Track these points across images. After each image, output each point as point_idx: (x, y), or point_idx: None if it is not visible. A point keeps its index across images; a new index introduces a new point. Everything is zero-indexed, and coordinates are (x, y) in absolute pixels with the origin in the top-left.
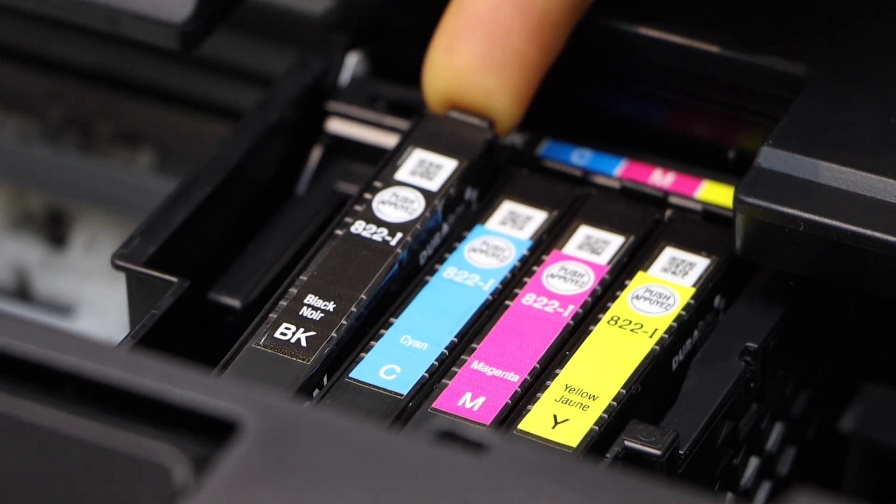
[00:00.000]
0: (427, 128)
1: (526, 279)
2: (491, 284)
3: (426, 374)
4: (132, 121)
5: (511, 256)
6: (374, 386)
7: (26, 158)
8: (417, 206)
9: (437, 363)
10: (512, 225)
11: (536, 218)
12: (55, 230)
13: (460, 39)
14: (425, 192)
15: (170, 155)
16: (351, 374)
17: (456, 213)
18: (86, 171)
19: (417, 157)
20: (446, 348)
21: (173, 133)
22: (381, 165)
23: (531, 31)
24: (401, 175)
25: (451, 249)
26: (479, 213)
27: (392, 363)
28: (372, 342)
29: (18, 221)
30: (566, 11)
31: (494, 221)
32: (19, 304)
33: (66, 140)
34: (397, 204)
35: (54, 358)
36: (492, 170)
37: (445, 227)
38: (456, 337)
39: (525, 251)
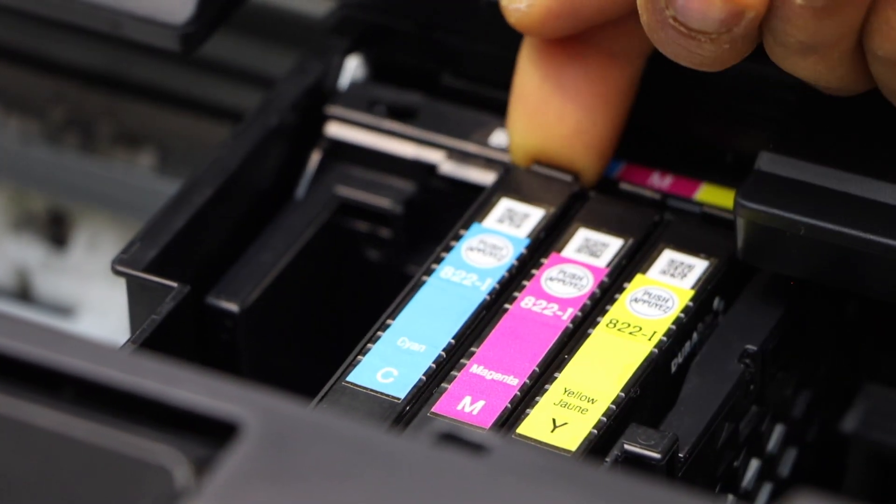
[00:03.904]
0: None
1: (525, 282)
2: (488, 284)
3: (423, 378)
4: (133, 122)
5: (509, 255)
6: (371, 390)
7: (27, 159)
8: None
9: (434, 366)
10: (509, 223)
11: (534, 216)
12: (56, 231)
13: (542, 103)
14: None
15: (170, 156)
16: (348, 378)
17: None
18: (87, 172)
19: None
20: (443, 350)
21: (174, 134)
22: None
23: (606, 96)
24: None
25: (449, 248)
26: (477, 212)
27: (389, 366)
28: (369, 344)
29: (19, 222)
30: (636, 63)
31: (492, 219)
32: (20, 305)
33: (67, 141)
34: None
35: (55, 359)
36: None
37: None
38: (453, 339)
39: (522, 249)
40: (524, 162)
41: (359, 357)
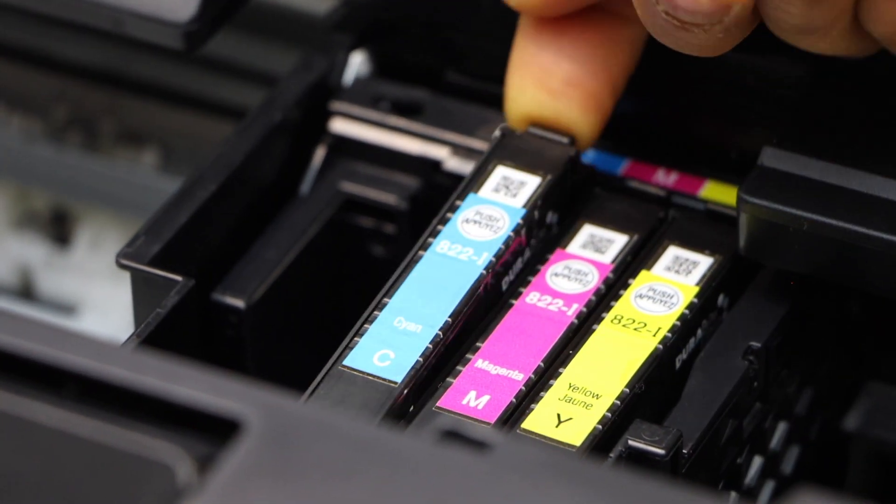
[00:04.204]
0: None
1: (530, 277)
2: (485, 259)
3: (420, 359)
4: (136, 120)
5: (505, 227)
6: (368, 374)
7: (30, 158)
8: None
9: (431, 346)
10: (505, 192)
11: (530, 183)
12: (59, 229)
13: (539, 53)
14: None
15: (173, 154)
16: (345, 361)
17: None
18: (90, 171)
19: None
20: (440, 330)
21: (177, 132)
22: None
23: (602, 50)
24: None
25: (445, 221)
26: (472, 182)
27: (386, 348)
28: (366, 325)
29: (22, 220)
30: (639, 28)
31: (487, 189)
32: (23, 304)
33: (69, 139)
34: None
35: (58, 357)
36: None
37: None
38: (450, 317)
39: (519, 220)
40: (519, 121)
41: (356, 339)
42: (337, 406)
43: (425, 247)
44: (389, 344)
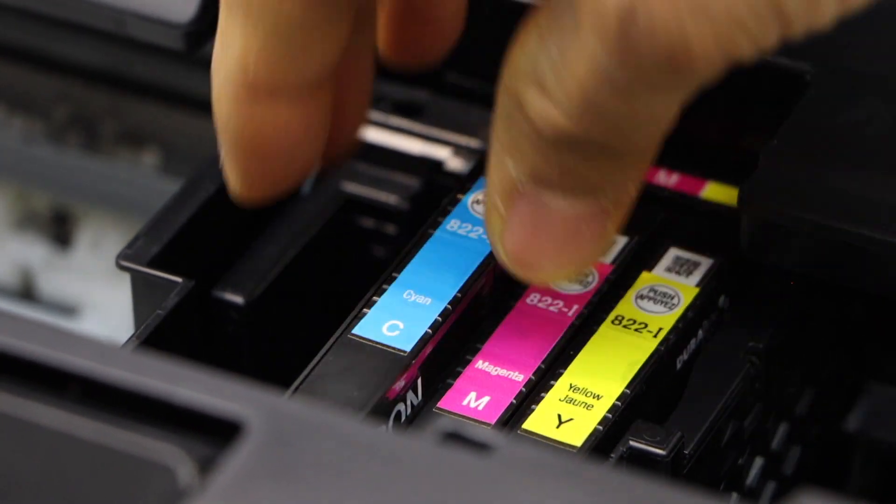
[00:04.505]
0: None
1: None
2: None
3: (429, 331)
4: (137, 121)
5: None
6: (376, 342)
7: (31, 158)
8: None
9: (440, 318)
10: None
11: None
12: (60, 230)
13: None
14: None
15: (174, 155)
16: (354, 331)
17: None
18: (90, 171)
19: None
20: (449, 303)
21: (178, 133)
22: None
23: None
24: None
25: (455, 202)
26: (482, 166)
27: (395, 319)
28: (375, 297)
29: (23, 221)
30: None
31: None
32: (24, 305)
33: (70, 140)
34: None
35: (59, 358)
36: None
37: None
38: (459, 292)
39: None
40: None
41: (364, 310)
42: (344, 373)
43: (435, 225)
44: (399, 315)
